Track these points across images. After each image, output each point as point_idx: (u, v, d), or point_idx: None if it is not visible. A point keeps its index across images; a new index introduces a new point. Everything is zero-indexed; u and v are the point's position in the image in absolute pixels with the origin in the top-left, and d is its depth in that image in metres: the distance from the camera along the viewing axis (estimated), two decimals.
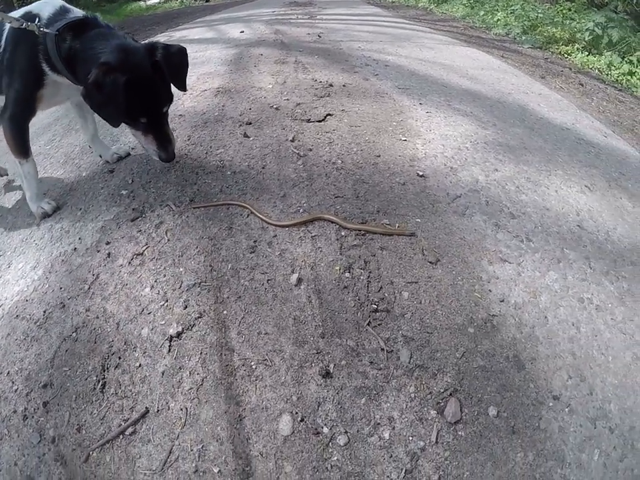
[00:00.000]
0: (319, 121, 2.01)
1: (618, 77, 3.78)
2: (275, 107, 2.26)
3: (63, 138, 2.27)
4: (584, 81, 3.52)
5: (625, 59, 3.96)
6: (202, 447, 0.86)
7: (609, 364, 1.04)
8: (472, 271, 1.18)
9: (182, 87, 1.42)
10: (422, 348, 1.01)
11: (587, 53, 4.13)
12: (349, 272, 1.19)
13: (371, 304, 1.10)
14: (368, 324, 1.06)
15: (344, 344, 1.03)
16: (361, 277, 1.17)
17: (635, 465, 0.87)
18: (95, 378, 1.00)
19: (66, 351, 1.06)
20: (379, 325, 1.06)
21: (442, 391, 0.94)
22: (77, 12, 1.39)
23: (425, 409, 0.91)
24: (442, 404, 0.92)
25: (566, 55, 4.15)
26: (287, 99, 2.36)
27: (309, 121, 2.03)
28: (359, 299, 1.12)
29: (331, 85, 2.48)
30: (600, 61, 3.97)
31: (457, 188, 1.48)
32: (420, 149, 1.70)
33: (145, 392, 0.96)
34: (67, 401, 0.97)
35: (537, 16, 5.07)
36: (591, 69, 3.91)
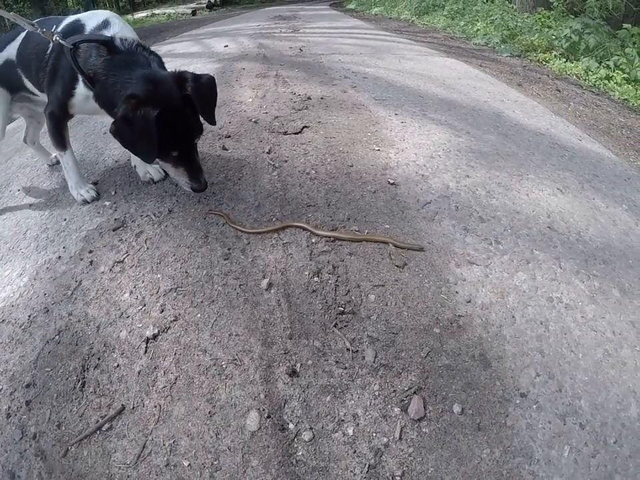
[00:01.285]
0: (296, 133, 2.10)
1: (595, 81, 3.96)
2: (253, 120, 2.35)
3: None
4: (561, 86, 3.68)
5: (602, 64, 4.15)
6: (174, 442, 0.92)
7: (578, 361, 1.09)
8: (439, 274, 1.25)
9: (211, 120, 1.39)
10: (387, 348, 1.07)
11: (564, 60, 4.32)
12: (318, 277, 1.25)
13: (338, 306, 1.17)
14: (334, 325, 1.12)
15: (311, 344, 1.09)
16: (329, 281, 1.23)
17: (607, 461, 0.90)
18: (75, 378, 1.06)
19: (49, 352, 1.13)
20: (345, 326, 1.12)
21: (406, 389, 0.99)
22: (117, 29, 1.40)
23: (389, 406, 0.96)
24: (406, 401, 0.97)
25: (544, 62, 4.34)
26: (266, 112, 2.45)
27: (285, 133, 2.12)
28: (326, 302, 1.18)
29: (309, 98, 2.58)
30: (577, 66, 4.16)
31: (428, 194, 1.56)
32: (392, 157, 1.79)
33: (122, 390, 1.02)
34: (48, 399, 1.03)
35: (516, 25, 5.30)
36: (568, 75, 4.09)
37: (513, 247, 1.40)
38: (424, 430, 0.93)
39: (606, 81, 3.95)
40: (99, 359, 1.09)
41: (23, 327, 1.21)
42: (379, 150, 1.85)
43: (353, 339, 1.09)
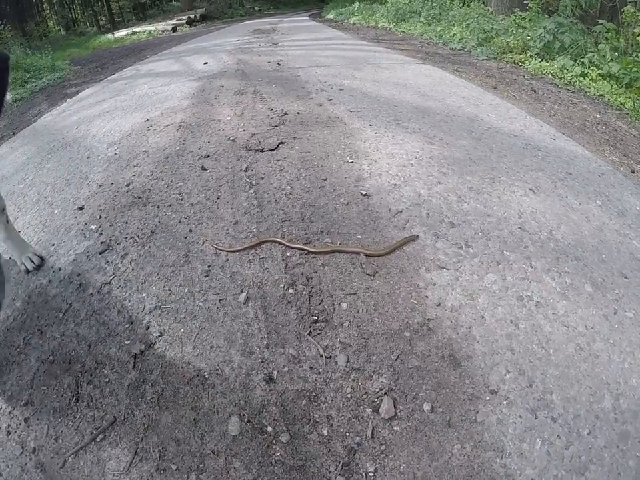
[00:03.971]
0: (272, 150, 2.21)
1: (571, 79, 4.14)
2: (231, 139, 2.47)
3: (35, 177, 2.46)
4: (537, 86, 3.85)
5: (577, 62, 4.34)
6: (162, 448, 1.00)
7: (549, 357, 1.17)
8: (409, 280, 1.34)
9: None
10: (359, 353, 1.15)
11: (540, 60, 4.51)
12: (293, 288, 1.35)
13: (312, 316, 1.26)
14: (309, 334, 1.21)
15: (286, 352, 1.18)
16: (304, 292, 1.32)
17: (582, 452, 0.95)
18: (69, 393, 1.15)
19: (44, 372, 1.22)
20: (318, 334, 1.21)
21: (377, 390, 1.07)
22: None
23: (361, 407, 1.04)
24: (377, 402, 1.05)
25: (520, 63, 4.53)
26: (244, 130, 2.57)
27: (262, 150, 2.23)
28: (301, 312, 1.27)
29: (285, 114, 2.71)
30: (553, 65, 4.35)
31: (399, 203, 1.66)
32: (365, 169, 1.90)
33: (113, 403, 1.11)
34: (45, 415, 1.11)
35: (492, 27, 5.52)
36: (544, 74, 4.27)
37: (483, 249, 1.50)
38: (395, 428, 1.01)
39: (581, 78, 4.13)
40: (91, 375, 1.18)
41: (18, 350, 1.30)
42: (352, 162, 1.96)
43: (326, 346, 1.18)
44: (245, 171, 2.05)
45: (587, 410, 1.03)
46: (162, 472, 0.97)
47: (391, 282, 1.33)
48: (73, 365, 1.21)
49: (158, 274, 1.48)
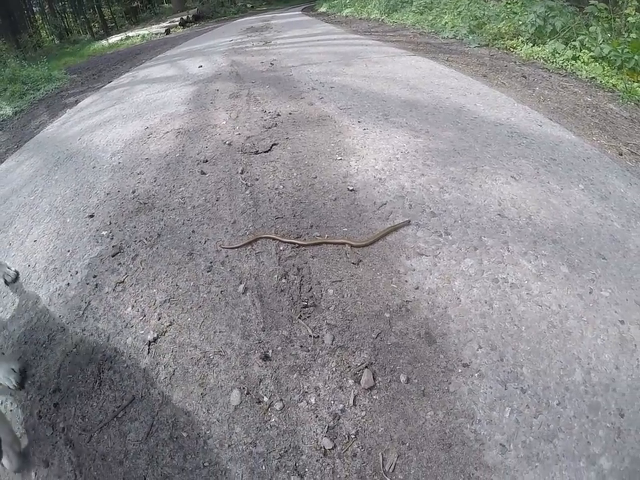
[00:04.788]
0: (266, 152, 2.35)
1: (562, 63, 4.20)
2: (227, 142, 2.62)
3: (45, 188, 2.65)
4: (528, 72, 3.93)
5: (569, 45, 4.40)
6: (174, 420, 1.17)
7: (521, 333, 1.27)
8: (390, 267, 1.49)
9: None
10: (343, 332, 1.31)
11: (531, 44, 4.57)
12: (285, 278, 1.51)
13: (302, 301, 1.42)
14: (299, 317, 1.37)
15: (280, 334, 1.34)
16: (295, 281, 1.49)
17: (550, 421, 1.04)
18: (93, 379, 1.32)
19: (69, 363, 1.39)
20: (308, 317, 1.37)
21: (359, 364, 1.23)
22: None
23: (344, 379, 1.20)
24: (358, 375, 1.20)
25: (512, 49, 4.60)
26: (239, 134, 2.72)
27: (256, 152, 2.38)
28: (292, 299, 1.43)
29: (278, 115, 2.85)
30: (544, 50, 4.41)
31: (384, 196, 1.81)
32: (353, 165, 2.04)
33: (132, 385, 1.27)
34: (72, 399, 1.28)
35: (483, 14, 5.58)
36: (536, 59, 4.34)
37: (462, 236, 1.63)
38: (374, 397, 1.16)
39: (573, 62, 4.18)
40: (111, 362, 1.35)
41: (44, 345, 1.47)
42: (340, 159, 2.11)
43: (314, 327, 1.34)
44: (241, 173, 2.20)
45: (556, 382, 1.11)
46: (175, 439, 1.14)
47: (374, 269, 1.48)
48: (95, 355, 1.38)
49: (166, 271, 1.64)
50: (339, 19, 9.00)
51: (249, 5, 20.58)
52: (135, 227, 1.96)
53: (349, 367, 1.22)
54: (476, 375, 1.17)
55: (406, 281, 1.44)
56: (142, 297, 1.55)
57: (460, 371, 1.19)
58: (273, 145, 2.40)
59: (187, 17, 15.03)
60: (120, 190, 2.35)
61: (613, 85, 3.83)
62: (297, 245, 1.60)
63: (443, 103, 2.89)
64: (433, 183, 1.92)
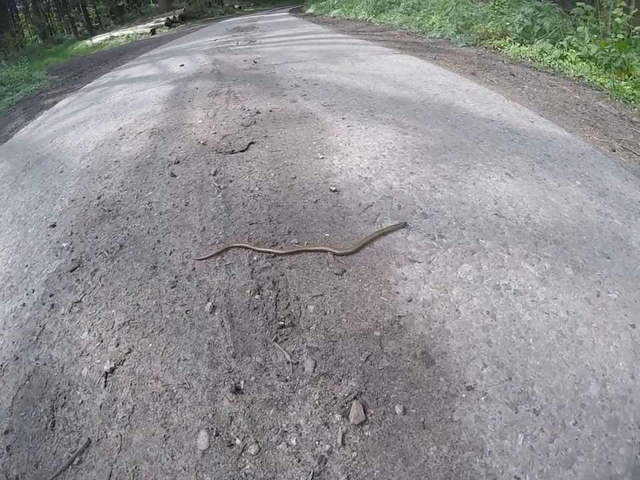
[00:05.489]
0: (242, 151, 2.16)
1: (550, 62, 4.11)
2: (202, 142, 2.41)
3: (10, 196, 2.42)
4: (516, 71, 3.82)
5: (556, 45, 4.31)
6: (135, 468, 0.99)
7: (529, 346, 1.12)
8: (379, 276, 1.30)
9: None
10: (326, 357, 1.11)
11: (519, 44, 4.48)
12: (259, 294, 1.30)
13: (278, 321, 1.22)
14: (275, 340, 1.17)
15: (253, 361, 1.14)
16: (270, 297, 1.28)
17: (568, 444, 0.92)
18: (46, 418, 1.14)
19: (21, 398, 1.21)
20: (285, 339, 1.17)
21: (346, 395, 1.03)
22: None
23: (330, 413, 1.00)
24: (346, 407, 1.01)
25: (499, 49, 4.50)
26: (215, 132, 2.51)
27: (232, 152, 2.18)
28: (267, 318, 1.23)
29: (258, 112, 2.65)
30: (532, 49, 4.32)
31: (370, 197, 1.62)
32: (336, 164, 1.85)
33: (87, 425, 1.10)
34: (25, 442, 1.11)
35: (471, 15, 5.49)
36: (523, 58, 4.24)
37: (457, 239, 1.46)
38: (366, 434, 0.96)
39: (560, 61, 4.11)
40: (65, 397, 1.17)
41: None
42: (323, 158, 1.92)
43: (292, 352, 1.13)
44: (214, 174, 2.00)
45: (571, 399, 1.00)
46: None
47: (360, 280, 1.28)
48: (48, 389, 1.19)
49: (126, 288, 1.45)
50: (326, 20, 8.86)
51: (236, 6, 20.35)
52: (97, 238, 1.76)
53: (334, 398, 1.03)
54: (482, 398, 1.02)
55: (397, 293, 1.25)
56: (99, 319, 1.36)
57: (464, 395, 1.03)
58: (250, 144, 2.20)
59: (174, 17, 14.74)
60: (85, 196, 2.13)
61: (601, 84, 3.78)
62: (272, 255, 1.40)
63: (431, 99, 2.74)
64: (424, 181, 1.74)
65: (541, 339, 1.13)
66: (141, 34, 13.16)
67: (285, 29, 7.64)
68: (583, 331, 1.14)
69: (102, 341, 1.28)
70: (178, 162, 2.24)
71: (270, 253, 1.40)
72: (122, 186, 2.14)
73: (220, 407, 1.05)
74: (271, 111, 2.64)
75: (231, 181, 1.89)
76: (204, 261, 1.47)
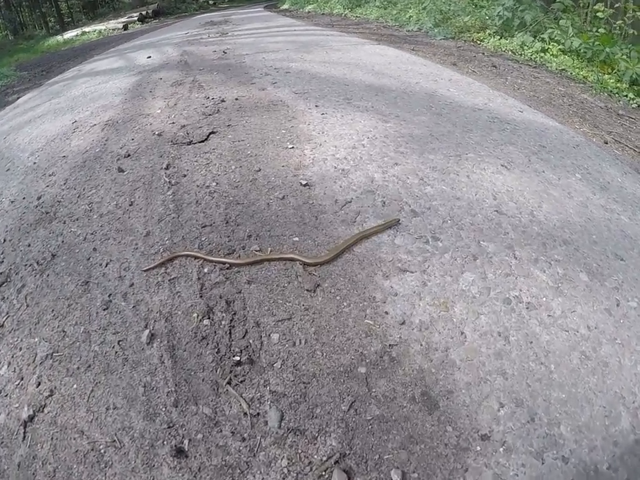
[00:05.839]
0: (201, 142, 1.83)
1: (531, 55, 3.94)
2: (158, 133, 2.07)
3: None
4: (497, 63, 3.61)
5: (537, 38, 4.15)
6: None
7: (551, 375, 0.89)
8: (362, 292, 1.00)
9: None
10: (296, 405, 0.81)
11: (498, 37, 4.29)
12: (209, 318, 0.99)
13: (233, 355, 0.90)
14: (228, 382, 0.86)
15: (200, 412, 0.83)
16: (223, 323, 0.97)
17: None
18: None
19: None
20: (241, 382, 0.86)
21: (324, 459, 0.73)
22: None
23: None
24: (326, 476, 0.71)
25: (478, 42, 4.29)
26: (173, 123, 2.17)
27: (190, 143, 1.85)
28: (218, 352, 0.92)
29: (222, 101, 2.33)
30: (512, 42, 4.14)
31: (348, 192, 1.33)
32: (308, 154, 1.55)
33: None
34: None
35: (449, 9, 5.28)
36: (504, 51, 4.05)
37: (455, 241, 1.19)
38: None
39: (542, 54, 3.94)
40: None
41: None
42: (292, 148, 1.61)
43: (251, 399, 0.83)
44: (166, 168, 1.66)
45: (603, 438, 0.81)
46: None
47: (338, 297, 0.98)
48: None
49: (53, 310, 1.16)
50: (301, 15, 8.49)
51: (211, 2, 19.61)
52: (29, 246, 1.44)
53: (309, 464, 0.73)
54: (501, 449, 0.77)
55: (386, 313, 0.95)
56: (21, 349, 1.08)
57: (478, 447, 0.77)
58: (210, 134, 1.87)
59: (147, 12, 14.04)
60: (26, 196, 1.79)
61: (584, 77, 3.63)
62: (227, 266, 1.08)
63: (413, 87, 2.47)
64: (410, 173, 1.46)
65: (563, 364, 0.90)
66: (113, 29, 12.51)
67: (259, 23, 7.27)
68: (608, 350, 0.95)
69: (22, 379, 1.00)
70: (128, 155, 1.90)
71: (224, 263, 1.08)
72: (65, 184, 1.79)
73: (158, 475, 0.75)
74: (236, 99, 2.31)
75: (185, 176, 1.56)
76: (145, 273, 1.14)
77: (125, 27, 12.52)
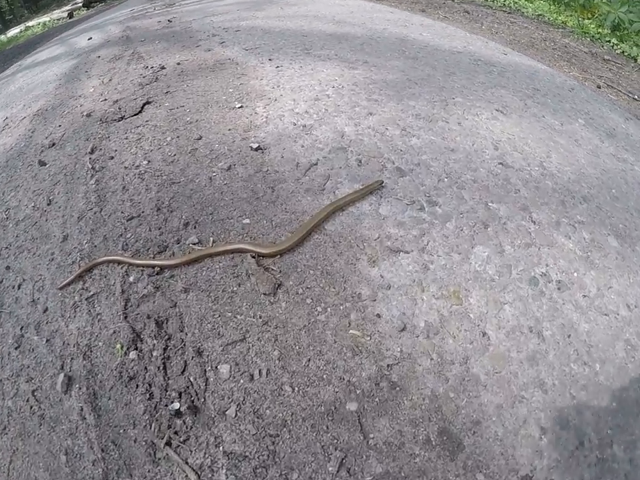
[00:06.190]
0: (134, 115, 1.44)
1: (504, 1, 3.57)
2: (87, 114, 1.66)
3: None
4: (469, 9, 3.22)
5: None
6: None
7: (597, 378, 0.67)
8: (342, 289, 0.69)
9: None
10: (263, 471, 0.52)
11: None
12: (136, 348, 0.67)
13: (171, 401, 0.60)
14: (167, 443, 0.57)
15: None
16: (154, 354, 0.65)
17: None
18: None
19: None
20: (184, 441, 0.56)
21: None
22: None
23: None
24: None
25: None
26: (105, 100, 1.76)
27: (121, 118, 1.46)
28: (151, 397, 0.61)
29: (162, 68, 1.91)
30: None
31: (312, 152, 0.99)
32: (260, 112, 1.19)
33: None
34: None
35: None
36: None
37: (457, 205, 0.89)
38: None
39: (516, 0, 3.57)
40: None
41: None
42: (241, 107, 1.25)
43: (200, 466, 0.53)
44: (91, 152, 1.28)
45: None
46: None
47: (309, 300, 0.67)
48: None
49: None
50: None
51: None
52: None
53: None
54: None
55: (378, 317, 0.65)
56: None
57: None
58: (145, 105, 1.48)
59: None
60: None
61: (563, 22, 3.34)
62: (157, 269, 0.76)
63: (381, 33, 2.09)
64: (390, 123, 1.13)
65: (608, 360, 0.69)
66: (58, 19, 11.38)
67: None
68: None
69: None
70: (53, 144, 1.50)
71: (153, 266, 0.76)
72: None
73: None
74: (178, 64, 1.90)
75: (112, 158, 1.20)
76: (60, 292, 0.82)
77: (70, 15, 11.38)
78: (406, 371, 0.58)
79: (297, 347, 0.60)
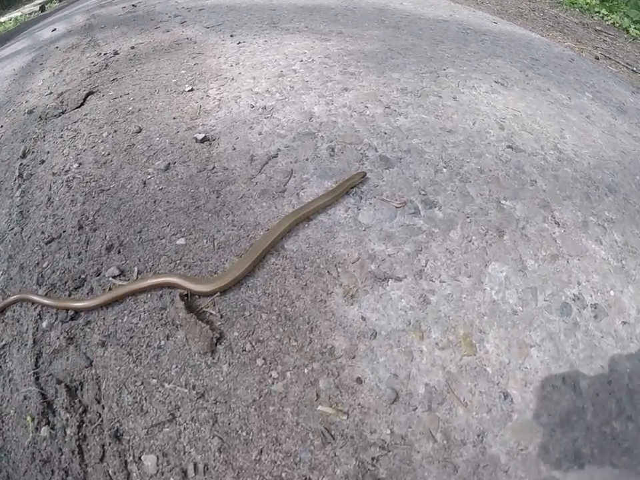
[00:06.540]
0: (76, 108, 1.20)
1: None
2: (29, 110, 1.41)
3: None
4: None
5: None
6: None
7: None
8: (305, 340, 0.48)
9: None
10: None
11: None
12: (48, 423, 0.47)
13: None
14: None
15: None
16: (67, 432, 0.46)
17: None
18: None
19: None
20: None
21: None
22: None
23: None
24: None
25: None
26: (50, 93, 1.51)
27: (62, 113, 1.21)
28: None
29: (115, 53, 1.64)
30: None
31: (272, 141, 0.77)
32: (213, 95, 0.95)
33: None
34: None
35: None
36: None
37: (462, 205, 0.68)
38: None
39: None
40: None
41: None
42: (191, 90, 1.00)
43: None
44: (22, 157, 1.04)
45: None
46: None
47: (259, 361, 0.45)
48: None
49: None
50: None
51: None
52: None
53: None
54: None
55: (359, 382, 0.45)
56: None
57: None
58: (88, 95, 1.23)
59: None
60: None
61: None
62: (70, 314, 0.54)
63: (357, 4, 1.82)
64: (370, 100, 0.91)
65: None
66: (30, 13, 10.66)
67: None
68: None
69: None
70: None
71: (65, 309, 0.55)
72: None
73: None
74: (133, 47, 1.62)
75: (43, 162, 0.96)
76: None
77: (42, 8, 10.64)
78: (399, 463, 0.38)
79: (244, 432, 0.40)
